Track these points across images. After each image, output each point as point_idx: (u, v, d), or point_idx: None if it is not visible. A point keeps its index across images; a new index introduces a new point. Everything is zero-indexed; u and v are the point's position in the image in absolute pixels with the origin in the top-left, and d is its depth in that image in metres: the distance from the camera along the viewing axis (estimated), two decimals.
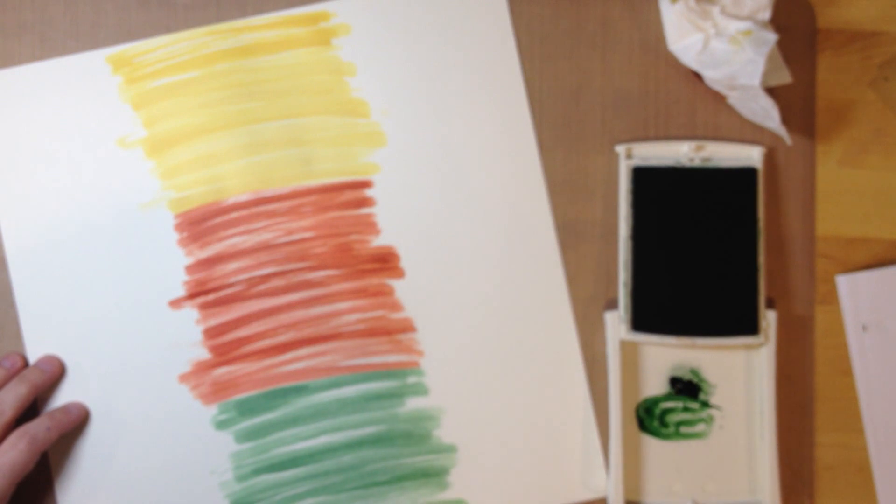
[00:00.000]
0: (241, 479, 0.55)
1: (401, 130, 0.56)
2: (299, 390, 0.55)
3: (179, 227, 0.55)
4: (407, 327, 0.56)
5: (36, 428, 0.51)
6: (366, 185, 0.56)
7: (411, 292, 0.56)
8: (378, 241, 0.56)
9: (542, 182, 0.56)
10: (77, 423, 0.54)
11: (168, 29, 0.56)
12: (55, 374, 0.54)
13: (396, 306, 0.56)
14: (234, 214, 0.56)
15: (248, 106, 0.56)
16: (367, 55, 0.56)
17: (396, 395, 0.55)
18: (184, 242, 0.55)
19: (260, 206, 0.56)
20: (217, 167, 0.56)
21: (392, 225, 0.56)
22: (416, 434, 0.55)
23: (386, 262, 0.56)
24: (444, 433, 0.55)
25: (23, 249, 0.55)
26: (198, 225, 0.55)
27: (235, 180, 0.56)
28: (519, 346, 0.56)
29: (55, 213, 0.55)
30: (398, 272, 0.56)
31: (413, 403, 0.55)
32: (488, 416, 0.55)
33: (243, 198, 0.56)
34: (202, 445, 0.54)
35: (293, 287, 0.55)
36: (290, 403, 0.55)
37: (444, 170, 0.56)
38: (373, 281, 0.56)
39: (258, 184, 0.56)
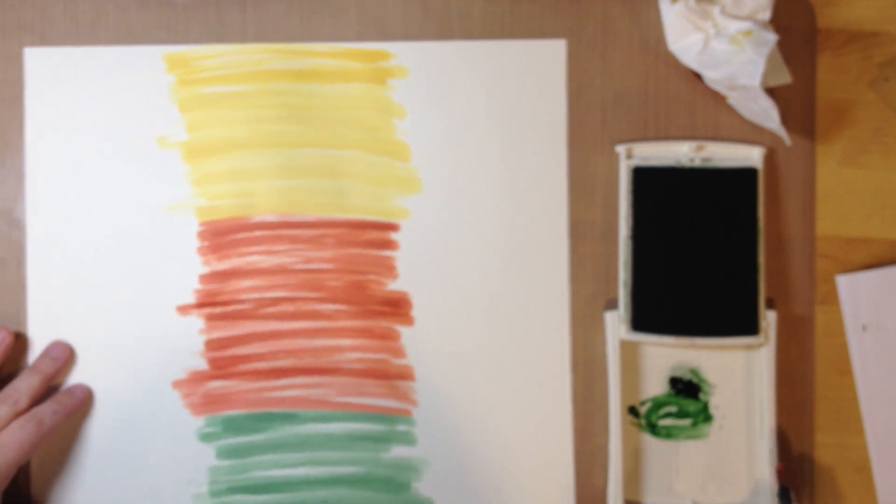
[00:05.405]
0: (214, 494, 0.54)
1: (438, 180, 0.56)
2: (288, 417, 0.55)
3: (202, 236, 0.55)
4: (406, 375, 0.55)
5: (43, 412, 0.52)
6: (393, 227, 0.56)
7: (417, 341, 0.55)
8: (394, 286, 0.55)
9: (566, 258, 0.56)
10: (81, 406, 0.54)
11: (168, 29, 0.56)
12: (65, 359, 0.54)
13: (399, 352, 0.55)
14: (258, 233, 0.55)
15: (293, 129, 0.55)
16: (418, 101, 0.56)
17: (383, 440, 0.55)
18: (203, 251, 0.55)
19: (285, 230, 0.55)
20: (250, 183, 0.55)
21: (411, 272, 0.55)
22: (395, 482, 0.55)
23: (398, 307, 0.55)
24: (423, 486, 0.55)
25: (44, 232, 0.55)
26: (221, 236, 0.55)
27: (266, 199, 0.55)
28: (514, 414, 0.55)
29: (81, 196, 0.55)
30: (408, 319, 0.55)
31: (398, 451, 0.55)
32: (472, 475, 0.55)
33: (270, 218, 0.55)
34: (183, 454, 0.54)
35: (301, 315, 0.55)
36: (276, 429, 0.55)
37: (474, 226, 0.56)
38: (381, 323, 0.55)
39: (287, 207, 0.55)
